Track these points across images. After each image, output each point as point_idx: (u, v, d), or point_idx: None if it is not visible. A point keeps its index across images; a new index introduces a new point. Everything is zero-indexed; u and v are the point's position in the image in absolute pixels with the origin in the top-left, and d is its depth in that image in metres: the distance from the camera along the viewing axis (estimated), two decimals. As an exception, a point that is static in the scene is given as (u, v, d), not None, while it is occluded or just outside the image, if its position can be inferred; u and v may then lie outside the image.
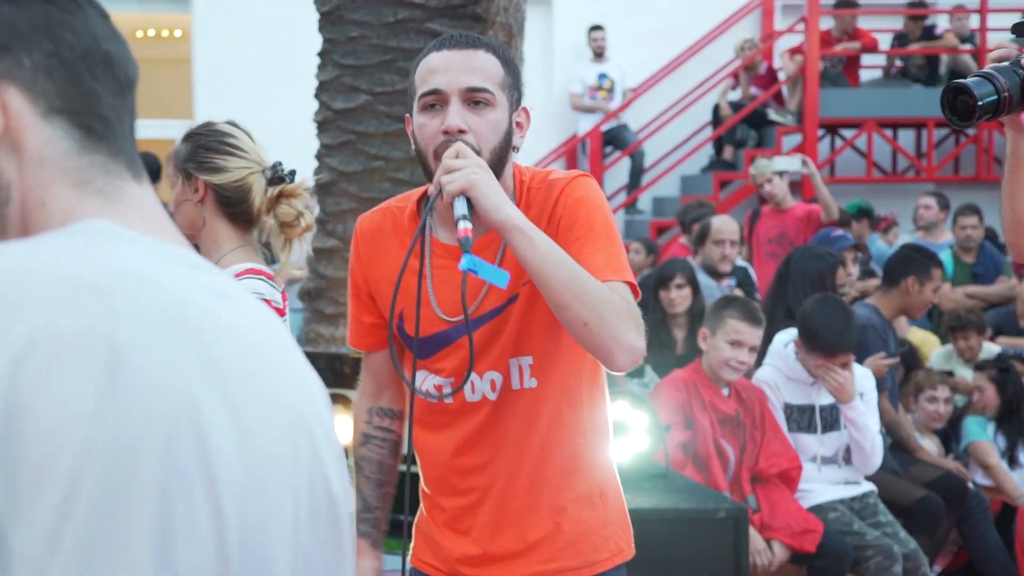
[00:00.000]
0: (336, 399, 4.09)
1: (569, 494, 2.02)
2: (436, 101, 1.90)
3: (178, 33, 12.09)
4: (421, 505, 2.16)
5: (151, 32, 12.64)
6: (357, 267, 2.10)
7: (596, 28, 10.34)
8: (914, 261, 4.95)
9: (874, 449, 4.27)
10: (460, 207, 1.79)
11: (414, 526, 2.18)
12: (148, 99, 12.39)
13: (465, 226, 1.78)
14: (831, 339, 4.15)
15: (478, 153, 1.87)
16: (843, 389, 4.16)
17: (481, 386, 2.00)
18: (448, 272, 1.96)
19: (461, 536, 2.06)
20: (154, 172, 6.39)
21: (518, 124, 1.99)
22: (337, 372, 4.10)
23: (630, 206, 10.40)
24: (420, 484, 2.14)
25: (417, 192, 2.09)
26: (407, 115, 2.00)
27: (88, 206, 0.86)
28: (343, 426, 4.13)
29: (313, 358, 4.22)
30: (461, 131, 1.87)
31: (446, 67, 1.90)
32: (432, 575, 2.12)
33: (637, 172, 10.28)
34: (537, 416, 2.00)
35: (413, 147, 1.98)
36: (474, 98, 1.89)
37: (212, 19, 10.39)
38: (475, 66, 1.90)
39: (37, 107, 0.85)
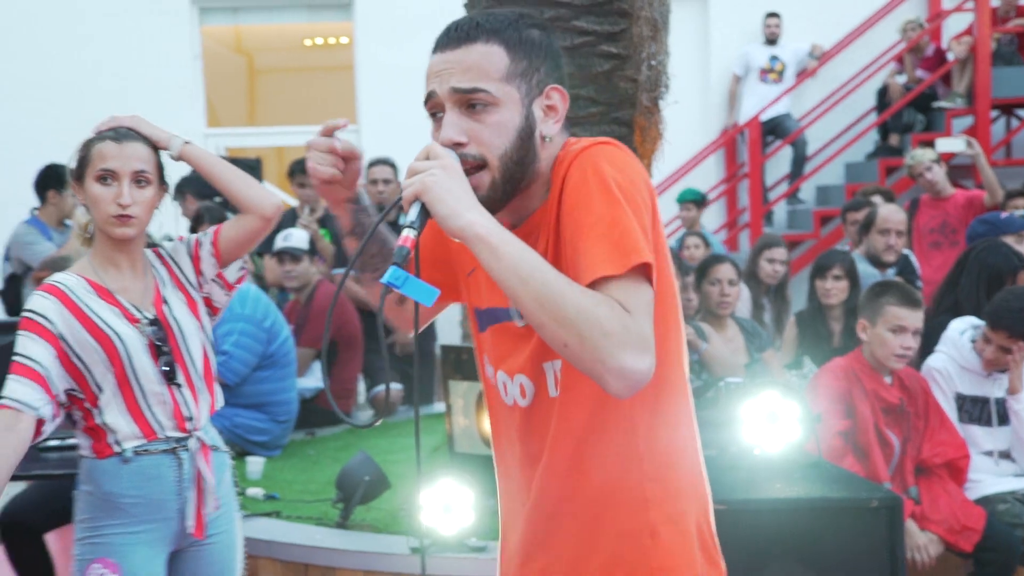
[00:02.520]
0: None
1: (608, 530, 1.72)
2: (436, 109, 1.70)
3: (344, 40, 12.46)
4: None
5: (319, 40, 13.08)
6: None
7: (772, 15, 10.24)
8: None
9: None
10: (412, 213, 1.58)
11: None
12: (314, 105, 12.76)
13: (405, 235, 1.56)
14: (1000, 312, 4.04)
15: (483, 163, 1.66)
16: (1015, 372, 4.05)
17: (512, 390, 1.77)
18: None
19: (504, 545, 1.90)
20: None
21: (550, 108, 1.72)
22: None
23: (792, 196, 10.22)
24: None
25: None
26: None
27: None
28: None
29: (469, 352, 4.33)
30: (458, 144, 1.66)
31: (438, 70, 1.68)
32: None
33: (799, 161, 10.09)
34: (563, 435, 1.72)
35: None
36: (468, 100, 1.66)
37: (373, 26, 10.67)
38: (468, 64, 1.66)
39: None
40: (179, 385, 2.67)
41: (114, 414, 2.61)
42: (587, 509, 1.73)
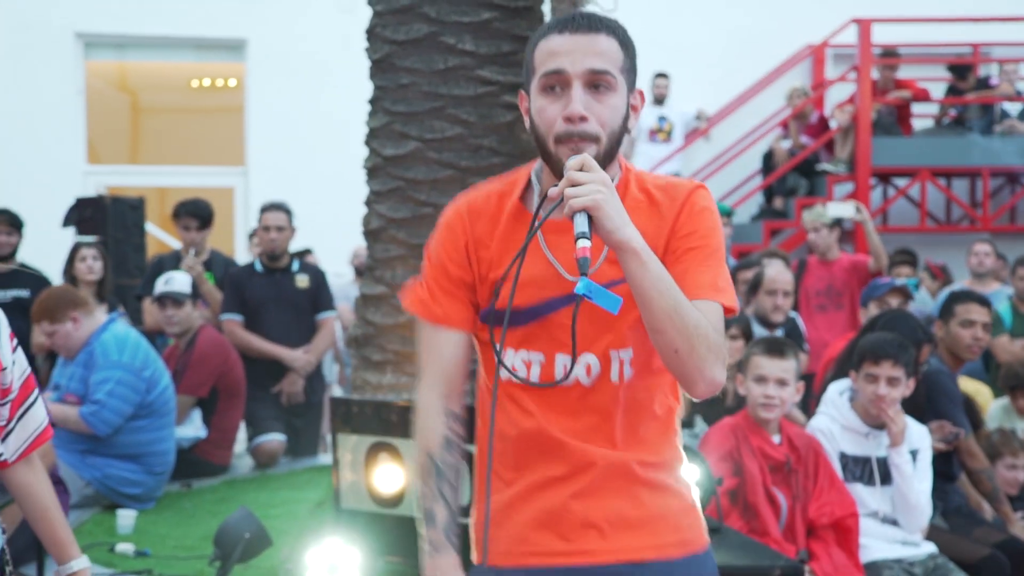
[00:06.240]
0: (382, 447, 4.04)
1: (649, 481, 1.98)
2: (557, 83, 1.88)
3: (232, 82, 12.25)
4: (494, 500, 1.99)
5: (206, 82, 12.83)
6: (461, 236, 2.04)
7: (661, 75, 10.40)
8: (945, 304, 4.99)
9: (919, 503, 4.14)
10: (581, 223, 1.76)
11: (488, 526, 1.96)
12: (199, 146, 12.51)
13: (584, 245, 1.74)
14: (875, 342, 4.10)
15: (596, 138, 1.87)
16: (894, 424, 4.07)
17: (577, 370, 1.94)
18: (559, 243, 1.93)
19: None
20: (206, 218, 6.44)
21: (633, 107, 1.96)
22: (384, 420, 4.06)
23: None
24: (492, 475, 1.98)
25: (518, 178, 2.04)
26: (521, 91, 1.99)
27: None
28: (390, 475, 4.08)
29: (360, 405, 4.19)
30: (582, 118, 1.86)
31: (569, 50, 1.87)
32: (542, 563, 1.96)
33: (687, 221, 10.23)
34: (627, 408, 1.95)
35: (527, 125, 1.96)
36: (596, 81, 1.87)
37: (265, 68, 10.52)
38: (598, 50, 1.88)
39: None
40: None
41: None
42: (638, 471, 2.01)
